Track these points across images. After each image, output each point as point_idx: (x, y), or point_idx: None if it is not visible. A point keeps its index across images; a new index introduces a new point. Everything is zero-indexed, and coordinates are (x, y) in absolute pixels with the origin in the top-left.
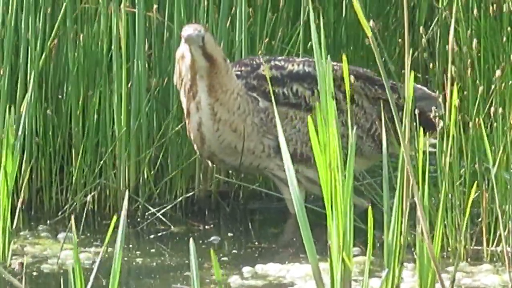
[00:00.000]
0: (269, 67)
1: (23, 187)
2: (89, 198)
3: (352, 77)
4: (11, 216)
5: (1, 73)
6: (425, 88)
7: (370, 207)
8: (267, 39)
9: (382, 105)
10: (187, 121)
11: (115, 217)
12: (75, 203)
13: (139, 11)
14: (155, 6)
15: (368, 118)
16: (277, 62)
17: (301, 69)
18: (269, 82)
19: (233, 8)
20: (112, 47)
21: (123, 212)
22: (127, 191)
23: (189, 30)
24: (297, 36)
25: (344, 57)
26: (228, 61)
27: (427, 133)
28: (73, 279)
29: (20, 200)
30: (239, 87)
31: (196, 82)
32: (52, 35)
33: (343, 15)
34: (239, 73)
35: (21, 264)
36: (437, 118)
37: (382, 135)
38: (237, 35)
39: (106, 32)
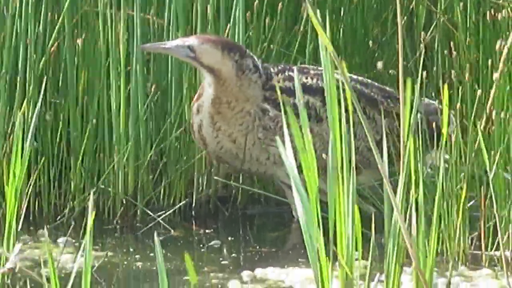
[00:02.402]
0: (283, 78)
1: (27, 191)
2: (88, 202)
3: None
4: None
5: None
6: (435, 103)
7: (373, 212)
8: (265, 44)
9: (394, 118)
10: (191, 119)
11: (89, 220)
12: (74, 208)
13: (138, 15)
14: (152, 11)
15: (378, 131)
16: (290, 73)
17: (314, 83)
18: (278, 92)
19: (232, 13)
20: (111, 51)
21: (90, 211)
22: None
23: (174, 41)
24: (296, 41)
25: (343, 65)
26: (249, 74)
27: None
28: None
29: (24, 204)
30: (254, 104)
31: (204, 86)
32: (51, 40)
33: (341, 21)
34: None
35: (11, 269)
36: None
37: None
38: (236, 39)
39: (105, 37)
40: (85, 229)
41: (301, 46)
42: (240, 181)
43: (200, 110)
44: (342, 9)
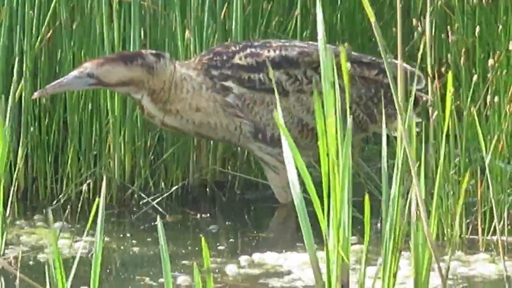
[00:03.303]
0: (245, 55)
1: (18, 176)
2: (84, 187)
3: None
4: (5, 206)
5: None
6: (407, 66)
7: (367, 196)
8: (263, 28)
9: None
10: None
11: (95, 204)
12: (70, 192)
13: (135, 0)
14: None
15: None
16: (252, 50)
17: (277, 55)
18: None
19: None
20: (107, 35)
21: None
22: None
23: (70, 75)
24: (294, 25)
25: (341, 48)
26: (158, 68)
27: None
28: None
29: (15, 189)
30: (196, 90)
31: (137, 101)
32: (45, 24)
33: (339, 3)
34: (213, 63)
35: (15, 257)
36: (429, 107)
37: (365, 117)
38: (234, 24)
39: (100, 21)
40: (80, 213)
41: (298, 30)
42: (237, 167)
43: (153, 116)
44: None
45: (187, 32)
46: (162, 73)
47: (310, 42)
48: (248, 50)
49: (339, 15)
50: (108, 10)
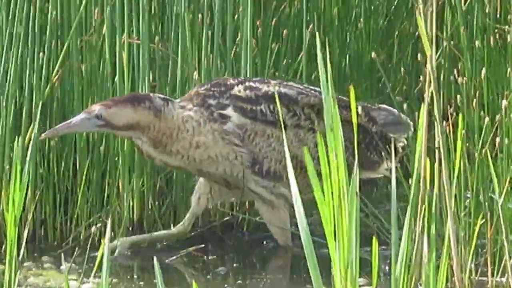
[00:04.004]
0: (244, 88)
1: (28, 218)
2: (93, 229)
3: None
4: (18, 248)
5: (4, 104)
6: (397, 113)
7: (375, 238)
8: (272, 70)
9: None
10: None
11: (101, 248)
12: (79, 235)
13: (144, 42)
14: (157, 38)
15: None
16: (251, 84)
17: (276, 90)
18: (277, 99)
19: (238, 39)
20: (117, 78)
21: (107, 241)
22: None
23: (78, 116)
24: (300, 66)
25: (351, 88)
26: (166, 110)
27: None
28: None
29: (27, 230)
30: (195, 128)
31: (137, 145)
32: (57, 67)
33: (347, 46)
34: (211, 93)
35: None
36: (402, 147)
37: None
38: (243, 65)
39: (110, 63)
40: (89, 255)
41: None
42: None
43: (153, 158)
44: (347, 35)
45: (195, 73)
46: (169, 117)
47: (306, 85)
48: (247, 84)
49: (347, 56)
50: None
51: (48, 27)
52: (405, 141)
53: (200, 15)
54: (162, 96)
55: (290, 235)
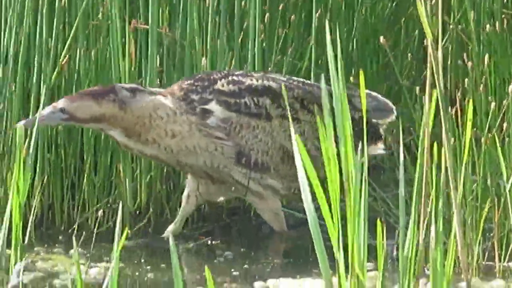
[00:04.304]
0: (227, 82)
1: (35, 203)
2: (100, 213)
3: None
4: (23, 232)
5: (13, 88)
6: (381, 98)
7: (379, 221)
8: (279, 56)
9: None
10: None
11: (124, 235)
12: (86, 219)
13: (152, 28)
14: (165, 23)
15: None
16: (234, 78)
17: (260, 84)
18: (285, 98)
19: (245, 24)
20: (124, 63)
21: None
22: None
23: (46, 109)
24: (309, 52)
25: (361, 73)
26: (132, 101)
27: (376, 142)
28: None
29: (32, 215)
30: (169, 116)
31: (111, 136)
32: (64, 51)
33: (353, 31)
34: (194, 87)
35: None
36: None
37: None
38: (250, 50)
39: (117, 48)
40: (96, 239)
41: (313, 57)
42: None
43: (131, 148)
44: (354, 20)
45: (203, 59)
46: (138, 107)
47: (288, 77)
48: (230, 78)
49: (354, 41)
50: (124, 36)
51: (55, 10)
52: (388, 126)
53: (207, 0)
54: (128, 86)
55: (284, 220)
